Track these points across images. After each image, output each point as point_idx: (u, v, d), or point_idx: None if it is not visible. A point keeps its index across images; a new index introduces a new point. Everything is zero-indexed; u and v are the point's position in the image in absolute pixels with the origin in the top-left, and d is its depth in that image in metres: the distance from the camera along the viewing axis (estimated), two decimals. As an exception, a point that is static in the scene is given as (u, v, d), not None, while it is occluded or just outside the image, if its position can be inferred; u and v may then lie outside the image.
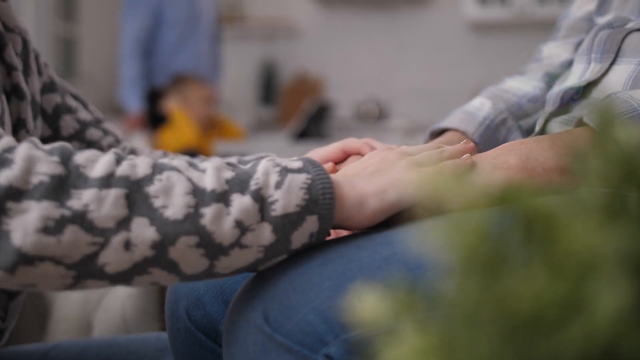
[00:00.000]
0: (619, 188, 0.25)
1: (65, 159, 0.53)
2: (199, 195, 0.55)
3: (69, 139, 0.89)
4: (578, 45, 0.97)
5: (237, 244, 0.56)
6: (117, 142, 0.94)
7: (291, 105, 5.47)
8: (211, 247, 0.55)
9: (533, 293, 0.21)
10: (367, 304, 0.26)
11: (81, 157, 0.54)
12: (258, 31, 5.64)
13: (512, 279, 0.21)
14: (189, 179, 0.56)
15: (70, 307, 1.19)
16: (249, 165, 0.60)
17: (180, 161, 0.58)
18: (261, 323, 0.57)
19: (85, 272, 0.53)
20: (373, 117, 5.17)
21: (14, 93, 0.73)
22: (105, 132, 0.93)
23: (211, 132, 3.71)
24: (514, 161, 0.67)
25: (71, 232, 0.51)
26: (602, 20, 0.87)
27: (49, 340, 1.21)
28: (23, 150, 0.52)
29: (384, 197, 0.62)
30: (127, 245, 0.53)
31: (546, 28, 5.15)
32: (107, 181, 0.53)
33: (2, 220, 0.50)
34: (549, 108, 0.84)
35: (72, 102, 0.90)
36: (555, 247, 0.21)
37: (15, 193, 0.50)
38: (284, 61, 5.68)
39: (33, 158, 0.52)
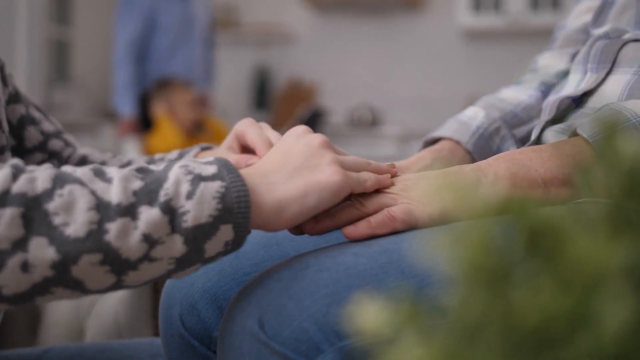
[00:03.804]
0: (621, 201, 0.25)
1: None
2: (103, 209, 0.52)
3: (32, 150, 0.88)
4: (574, 56, 0.98)
5: (146, 257, 0.53)
6: (75, 152, 0.93)
7: (285, 111, 5.47)
8: (117, 263, 0.52)
9: (539, 306, 0.20)
10: (369, 313, 0.26)
11: None
12: (252, 37, 5.65)
13: (518, 292, 0.21)
14: (93, 192, 0.52)
15: (62, 311, 1.19)
16: (160, 170, 0.57)
17: (85, 171, 0.54)
18: (256, 330, 0.57)
19: None
20: (366, 124, 5.18)
21: None
22: (67, 144, 0.92)
23: (202, 135, 3.71)
24: (515, 171, 0.67)
25: None
26: (598, 31, 0.87)
27: (41, 345, 1.20)
28: None
29: (304, 202, 0.59)
30: (25, 266, 0.50)
31: (540, 36, 5.19)
32: (1, 200, 0.49)
33: None
34: (544, 117, 0.84)
35: (35, 114, 0.89)
36: (562, 261, 0.21)
37: None
38: (278, 67, 5.69)
39: None
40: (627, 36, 0.81)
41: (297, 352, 0.55)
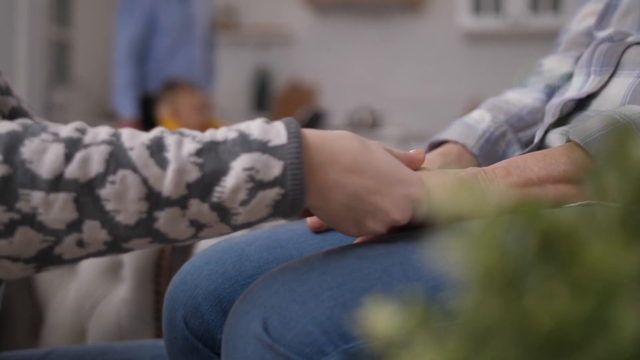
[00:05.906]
0: (632, 205, 0.25)
1: (10, 154, 0.51)
2: (153, 199, 0.53)
3: None
4: (578, 58, 0.98)
5: (194, 237, 0.57)
6: None
7: (285, 112, 5.47)
8: (166, 242, 0.57)
9: (553, 311, 0.20)
10: (380, 317, 0.26)
11: (28, 148, 0.52)
12: (252, 38, 5.65)
13: (533, 297, 0.21)
14: (145, 181, 0.53)
15: (64, 313, 1.19)
16: (225, 154, 0.56)
17: (142, 150, 0.54)
18: (260, 333, 0.57)
19: (44, 262, 0.54)
20: (366, 125, 5.18)
21: None
22: None
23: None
24: (511, 170, 0.69)
25: (22, 233, 0.52)
26: (601, 34, 0.87)
27: (43, 347, 1.20)
28: None
29: (327, 215, 0.62)
30: (80, 243, 0.54)
31: (540, 38, 5.19)
32: (55, 184, 0.52)
33: None
34: (548, 119, 0.85)
35: (27, 109, 0.90)
36: (577, 266, 0.21)
37: None
38: (278, 68, 5.68)
39: None
40: (630, 39, 0.82)
41: (302, 354, 0.55)
